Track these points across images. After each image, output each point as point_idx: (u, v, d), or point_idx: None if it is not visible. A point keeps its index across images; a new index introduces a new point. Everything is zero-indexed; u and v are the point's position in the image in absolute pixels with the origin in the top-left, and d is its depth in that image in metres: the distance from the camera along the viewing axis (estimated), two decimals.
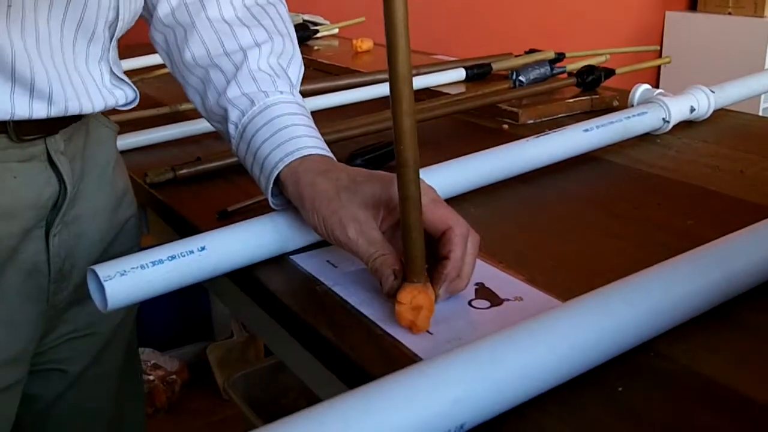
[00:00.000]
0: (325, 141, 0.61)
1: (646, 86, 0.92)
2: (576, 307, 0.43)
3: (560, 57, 1.20)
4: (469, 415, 0.37)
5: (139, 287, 0.53)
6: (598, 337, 0.42)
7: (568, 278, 0.55)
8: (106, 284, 0.51)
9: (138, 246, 0.73)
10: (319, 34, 1.65)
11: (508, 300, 0.52)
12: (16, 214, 0.58)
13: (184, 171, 0.78)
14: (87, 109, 0.59)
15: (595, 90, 1.05)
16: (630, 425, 0.39)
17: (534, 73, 1.07)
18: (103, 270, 0.51)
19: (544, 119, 0.98)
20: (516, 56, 1.24)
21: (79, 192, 0.63)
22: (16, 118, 0.54)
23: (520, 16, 2.61)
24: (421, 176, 0.47)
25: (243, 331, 1.81)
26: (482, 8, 2.54)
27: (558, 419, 0.40)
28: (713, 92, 0.92)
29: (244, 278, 0.59)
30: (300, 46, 0.69)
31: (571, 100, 1.01)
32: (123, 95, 0.64)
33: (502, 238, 0.63)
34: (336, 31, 1.72)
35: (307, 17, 1.74)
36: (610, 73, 1.05)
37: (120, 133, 0.81)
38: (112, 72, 0.63)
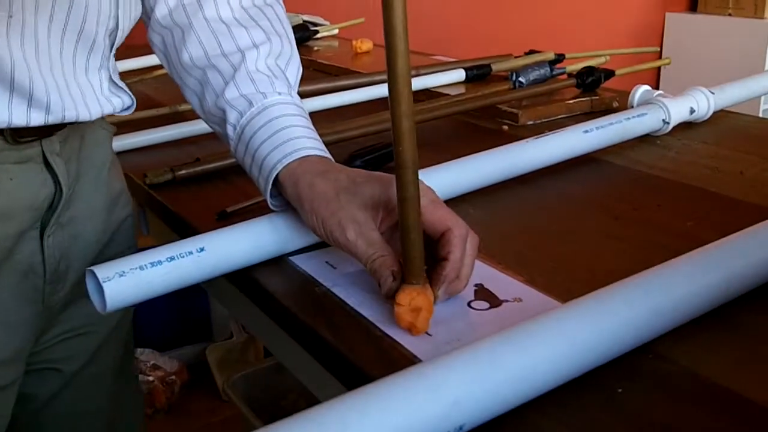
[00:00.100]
0: (325, 142, 0.61)
1: (646, 87, 0.92)
2: (575, 309, 0.43)
3: (560, 58, 1.20)
4: (468, 416, 0.37)
5: (138, 288, 0.53)
6: (597, 338, 0.42)
7: (567, 279, 0.55)
8: (104, 285, 0.51)
9: (134, 247, 0.73)
10: (318, 35, 1.65)
11: (507, 301, 0.52)
12: (13, 215, 0.58)
13: (184, 172, 0.78)
14: (84, 117, 0.59)
15: (595, 91, 1.05)
16: (630, 427, 0.39)
17: (534, 74, 1.06)
18: (102, 271, 0.51)
19: (543, 120, 0.98)
20: (516, 57, 1.24)
21: (75, 193, 0.63)
22: (13, 126, 0.55)
23: (520, 17, 2.61)
24: (420, 177, 0.47)
25: (242, 332, 1.80)
26: (482, 9, 2.54)
27: (557, 421, 0.40)
28: (713, 93, 0.92)
29: (243, 279, 0.59)
30: (300, 47, 0.69)
31: (571, 102, 1.01)
32: (120, 102, 0.64)
33: (502, 239, 0.63)
34: (336, 31, 1.72)
35: (306, 18, 1.73)
36: (609, 74, 1.05)
37: (119, 133, 0.81)
38: (110, 80, 0.63)
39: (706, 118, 0.92)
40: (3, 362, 0.62)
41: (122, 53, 0.69)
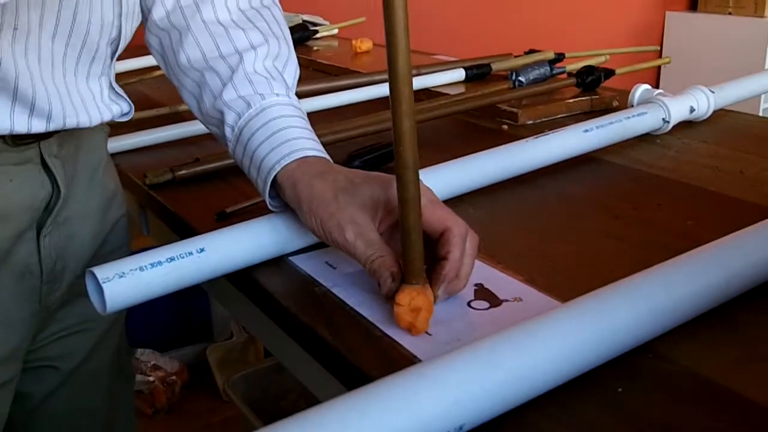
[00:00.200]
0: (324, 142, 0.61)
1: (646, 86, 0.92)
2: (575, 308, 0.43)
3: (560, 57, 1.20)
4: (468, 416, 0.37)
5: (138, 289, 0.52)
6: (597, 338, 0.42)
7: (567, 279, 0.55)
8: (104, 286, 0.51)
9: (127, 245, 0.74)
10: (318, 35, 1.65)
11: (507, 301, 0.52)
12: (11, 217, 0.58)
13: (183, 172, 0.78)
14: (84, 123, 0.60)
15: (595, 90, 1.05)
16: (630, 427, 0.39)
17: (534, 74, 1.06)
18: (102, 272, 0.51)
19: (543, 120, 0.98)
20: (516, 56, 1.24)
21: (71, 194, 0.64)
22: (14, 133, 0.55)
23: (520, 17, 2.61)
24: (419, 177, 0.47)
25: (243, 332, 1.80)
26: (482, 8, 2.54)
27: (557, 421, 0.40)
28: (713, 92, 0.92)
29: (243, 280, 0.59)
30: (299, 47, 0.69)
31: (571, 101, 1.01)
32: (119, 109, 0.65)
33: (502, 238, 0.63)
34: (335, 31, 1.72)
35: (306, 17, 1.73)
36: (609, 73, 1.05)
37: (119, 134, 0.81)
38: (111, 86, 0.64)
39: (706, 117, 0.92)
40: (0, 360, 0.62)
41: (122, 53, 0.69)
